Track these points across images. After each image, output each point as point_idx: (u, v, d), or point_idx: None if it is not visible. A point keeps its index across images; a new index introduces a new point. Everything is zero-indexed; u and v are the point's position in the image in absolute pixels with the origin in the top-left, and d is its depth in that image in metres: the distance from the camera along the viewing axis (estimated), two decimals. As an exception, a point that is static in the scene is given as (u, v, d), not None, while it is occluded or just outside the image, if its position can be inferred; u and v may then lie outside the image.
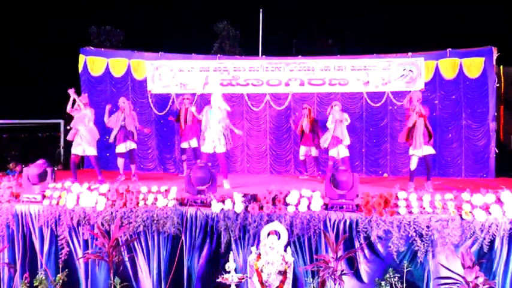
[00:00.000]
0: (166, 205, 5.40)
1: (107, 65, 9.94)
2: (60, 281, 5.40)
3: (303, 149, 8.72)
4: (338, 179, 5.24)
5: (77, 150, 7.38)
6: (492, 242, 4.84)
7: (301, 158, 8.81)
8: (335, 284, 4.57)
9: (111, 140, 8.14)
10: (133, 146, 8.23)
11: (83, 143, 7.35)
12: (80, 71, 10.04)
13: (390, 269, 4.86)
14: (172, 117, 8.96)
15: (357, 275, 5.10)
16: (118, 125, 8.06)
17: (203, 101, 9.64)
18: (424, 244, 4.88)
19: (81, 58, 10.01)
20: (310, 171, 9.12)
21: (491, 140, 8.77)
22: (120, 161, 8.24)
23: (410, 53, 9.16)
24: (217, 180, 5.93)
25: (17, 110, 13.19)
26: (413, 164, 6.94)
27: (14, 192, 5.98)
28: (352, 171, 5.64)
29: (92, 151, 7.43)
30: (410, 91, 8.70)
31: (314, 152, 8.62)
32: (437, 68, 9.05)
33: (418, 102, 6.83)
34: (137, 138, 8.36)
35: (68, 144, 10.53)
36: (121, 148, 8.13)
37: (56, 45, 13.61)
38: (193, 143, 8.64)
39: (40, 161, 6.10)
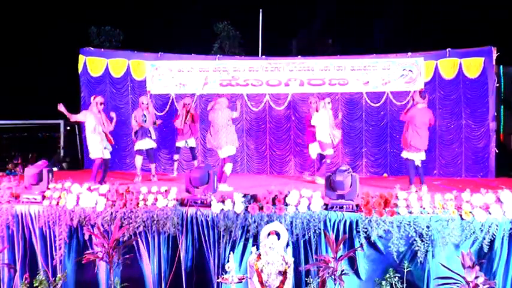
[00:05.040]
0: (166, 205, 5.40)
1: (107, 66, 9.95)
2: (60, 281, 5.40)
3: (314, 147, 8.39)
4: (334, 179, 5.23)
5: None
6: (492, 242, 4.84)
7: (314, 156, 8.48)
8: (335, 284, 4.57)
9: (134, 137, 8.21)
10: (152, 144, 8.12)
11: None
12: (79, 72, 10.05)
13: (390, 269, 4.86)
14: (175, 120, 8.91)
15: (357, 275, 5.10)
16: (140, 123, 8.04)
17: (203, 101, 9.66)
18: (424, 244, 4.88)
19: (81, 58, 10.02)
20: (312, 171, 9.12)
21: (491, 140, 8.77)
22: (138, 159, 8.06)
23: (410, 53, 9.16)
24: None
25: (17, 110, 13.19)
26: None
27: (13, 193, 5.98)
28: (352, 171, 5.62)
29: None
30: (410, 91, 8.76)
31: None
32: (436, 68, 9.05)
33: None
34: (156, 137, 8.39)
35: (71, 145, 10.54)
36: (139, 145, 8.04)
37: (56, 45, 13.61)
38: (191, 142, 8.69)
39: (40, 162, 6.10)
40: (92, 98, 7.40)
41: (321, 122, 7.71)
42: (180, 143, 8.66)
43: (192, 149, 8.83)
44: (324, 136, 7.75)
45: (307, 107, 9.09)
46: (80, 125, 10.51)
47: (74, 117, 7.20)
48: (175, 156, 8.88)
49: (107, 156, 7.40)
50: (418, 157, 6.85)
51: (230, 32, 13.94)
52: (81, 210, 5.58)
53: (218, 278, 4.88)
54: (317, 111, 8.14)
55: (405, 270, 4.84)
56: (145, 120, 7.98)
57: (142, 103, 8.07)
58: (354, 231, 5.05)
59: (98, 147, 7.17)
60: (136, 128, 8.05)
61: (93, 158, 7.25)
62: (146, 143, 8.01)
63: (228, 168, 6.97)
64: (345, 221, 5.08)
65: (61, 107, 6.99)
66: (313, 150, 8.35)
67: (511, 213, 4.83)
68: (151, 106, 8.27)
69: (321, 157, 8.56)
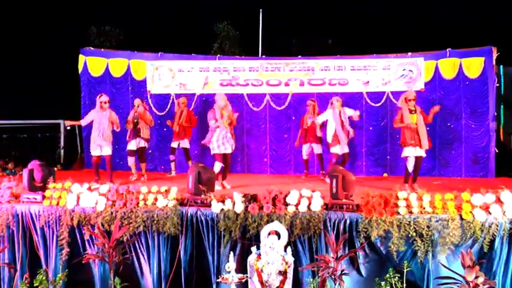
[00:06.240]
0: (166, 205, 5.40)
1: (107, 66, 9.96)
2: (60, 281, 5.40)
3: (305, 147, 8.68)
4: (350, 179, 5.29)
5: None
6: (492, 241, 4.84)
7: (305, 157, 8.77)
8: (335, 284, 4.57)
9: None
10: (142, 144, 8.34)
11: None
12: (79, 72, 10.06)
13: (390, 269, 4.86)
14: (170, 121, 8.97)
15: (357, 275, 5.10)
16: (132, 122, 8.26)
17: (202, 101, 9.67)
18: (424, 244, 4.88)
19: (81, 58, 10.03)
20: (311, 171, 9.12)
21: (491, 140, 8.77)
22: (130, 160, 8.42)
23: (410, 53, 9.16)
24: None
25: (17, 110, 13.20)
26: (411, 165, 6.94)
27: (14, 193, 5.98)
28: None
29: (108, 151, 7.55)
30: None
31: (317, 149, 8.56)
32: (437, 68, 9.04)
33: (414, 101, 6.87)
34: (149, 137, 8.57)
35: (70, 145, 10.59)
36: (131, 145, 8.34)
37: (56, 45, 13.63)
38: (185, 143, 8.76)
39: (35, 162, 6.06)
40: (98, 97, 7.55)
41: (327, 121, 7.89)
42: (174, 144, 8.80)
43: (185, 150, 8.88)
44: (328, 136, 7.88)
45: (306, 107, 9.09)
46: (80, 125, 10.52)
47: (83, 122, 7.66)
48: (171, 157, 8.98)
49: (105, 153, 7.47)
50: None
51: (230, 32, 13.96)
52: (82, 210, 5.58)
53: (218, 278, 4.88)
54: (314, 113, 8.43)
55: (405, 270, 4.84)
56: (137, 122, 8.27)
57: (134, 105, 8.43)
58: (354, 231, 5.05)
59: (92, 144, 7.46)
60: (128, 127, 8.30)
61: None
62: (135, 143, 8.32)
63: (215, 166, 7.07)
64: (345, 221, 5.08)
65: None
66: (305, 151, 8.71)
67: (511, 213, 4.83)
68: (140, 108, 8.29)
69: (320, 157, 8.64)
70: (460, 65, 8.91)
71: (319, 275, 4.64)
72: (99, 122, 7.33)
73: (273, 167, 9.68)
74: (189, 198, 5.50)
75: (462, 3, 12.80)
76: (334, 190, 5.23)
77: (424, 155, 6.93)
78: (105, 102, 7.39)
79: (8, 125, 12.85)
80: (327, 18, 15.23)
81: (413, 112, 6.89)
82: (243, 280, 4.55)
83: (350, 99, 9.32)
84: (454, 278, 4.38)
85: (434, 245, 4.89)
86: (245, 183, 7.47)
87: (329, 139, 7.89)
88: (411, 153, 6.85)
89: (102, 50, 10.58)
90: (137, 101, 8.44)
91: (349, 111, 7.95)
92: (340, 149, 7.84)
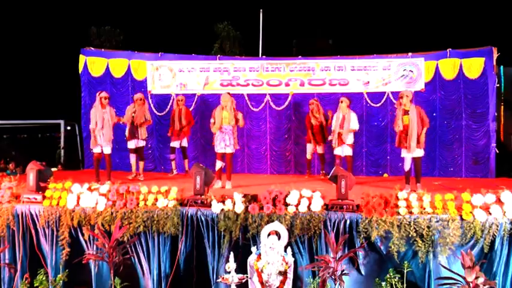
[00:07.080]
0: (167, 205, 5.40)
1: (107, 66, 9.96)
2: (60, 281, 5.40)
3: (309, 146, 8.67)
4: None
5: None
6: (492, 242, 4.84)
7: (309, 156, 8.77)
8: (335, 284, 4.57)
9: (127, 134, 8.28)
10: (140, 143, 8.25)
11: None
12: (80, 72, 10.07)
13: (391, 269, 4.86)
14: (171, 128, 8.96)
15: (358, 275, 5.10)
16: (129, 119, 8.14)
17: (203, 101, 9.67)
18: (424, 244, 4.87)
19: (82, 59, 10.04)
20: (312, 171, 9.13)
21: (492, 140, 8.77)
22: (131, 158, 8.37)
23: (410, 53, 9.16)
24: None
25: (17, 110, 13.22)
26: (406, 166, 6.90)
27: (14, 193, 5.98)
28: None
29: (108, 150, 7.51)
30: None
31: (319, 149, 8.58)
32: (437, 69, 9.05)
33: (410, 101, 6.69)
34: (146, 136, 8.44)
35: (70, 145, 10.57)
36: (130, 144, 8.26)
37: (56, 45, 13.65)
38: (184, 142, 8.75)
39: (35, 162, 6.06)
40: (97, 93, 7.49)
41: (334, 121, 7.95)
42: (174, 143, 8.77)
43: (183, 148, 8.88)
44: (333, 136, 7.92)
45: (307, 107, 9.09)
46: (80, 125, 10.53)
47: (92, 125, 7.37)
48: (171, 156, 8.97)
49: (105, 151, 7.47)
50: None
51: (231, 32, 13.99)
52: (82, 210, 5.58)
53: (218, 278, 4.87)
54: (320, 112, 8.46)
55: (405, 271, 4.84)
56: (133, 117, 8.13)
57: (135, 100, 8.23)
58: (354, 232, 5.05)
59: (92, 142, 7.41)
60: (125, 122, 8.19)
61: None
62: (134, 143, 8.21)
63: (216, 165, 7.22)
64: (345, 221, 5.08)
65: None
66: (309, 150, 8.70)
67: (511, 213, 4.83)
68: (138, 104, 8.18)
69: (322, 157, 8.66)
70: (461, 65, 8.91)
71: (320, 275, 4.64)
72: (100, 119, 7.31)
73: (273, 167, 9.69)
74: (189, 198, 5.49)
75: (462, 3, 12.82)
76: (343, 190, 5.22)
77: (420, 155, 6.70)
78: (105, 98, 7.34)
79: (8, 125, 12.86)
80: (327, 18, 15.25)
81: (407, 113, 6.62)
82: (243, 280, 4.55)
83: (350, 99, 9.32)
84: (454, 279, 4.37)
85: (434, 246, 4.88)
86: (245, 183, 7.47)
87: (334, 140, 7.89)
88: (406, 155, 6.78)
89: (103, 50, 10.59)
90: (139, 96, 8.27)
91: (353, 122, 7.77)
92: (341, 150, 7.82)
